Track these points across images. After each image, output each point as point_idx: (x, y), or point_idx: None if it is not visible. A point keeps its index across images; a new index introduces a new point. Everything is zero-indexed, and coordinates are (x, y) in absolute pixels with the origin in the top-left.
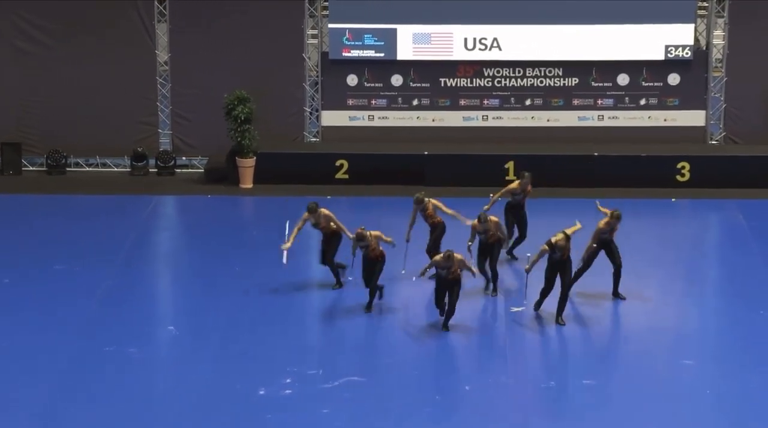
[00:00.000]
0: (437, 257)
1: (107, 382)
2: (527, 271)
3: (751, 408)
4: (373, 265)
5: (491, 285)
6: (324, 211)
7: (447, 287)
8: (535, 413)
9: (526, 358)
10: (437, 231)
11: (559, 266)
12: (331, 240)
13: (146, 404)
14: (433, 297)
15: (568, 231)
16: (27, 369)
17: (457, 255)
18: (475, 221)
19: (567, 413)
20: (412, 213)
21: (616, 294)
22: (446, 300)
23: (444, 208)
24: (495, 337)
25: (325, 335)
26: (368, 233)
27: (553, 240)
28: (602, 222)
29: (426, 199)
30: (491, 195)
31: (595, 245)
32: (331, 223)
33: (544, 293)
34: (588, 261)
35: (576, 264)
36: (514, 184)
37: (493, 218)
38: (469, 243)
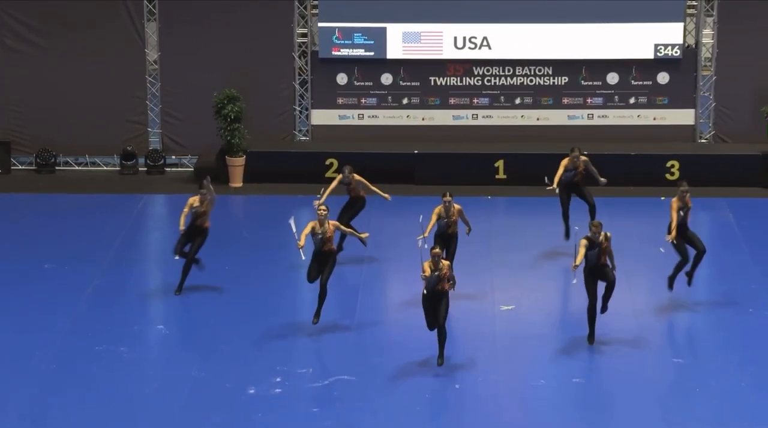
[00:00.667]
0: (425, 264)
1: (97, 381)
2: (574, 268)
3: (741, 406)
4: (325, 261)
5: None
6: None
7: (434, 301)
8: (525, 411)
9: (516, 357)
10: (357, 205)
11: (598, 272)
12: (201, 233)
13: (136, 403)
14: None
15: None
16: (17, 368)
17: (445, 261)
18: (439, 207)
19: (556, 411)
20: (334, 181)
21: (690, 276)
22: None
23: (369, 186)
24: (485, 336)
25: (314, 334)
26: (328, 222)
27: (590, 233)
28: (674, 200)
29: (352, 174)
30: (546, 178)
31: (673, 238)
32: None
33: (591, 314)
34: (682, 250)
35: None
36: (565, 161)
37: (457, 206)
38: (424, 235)
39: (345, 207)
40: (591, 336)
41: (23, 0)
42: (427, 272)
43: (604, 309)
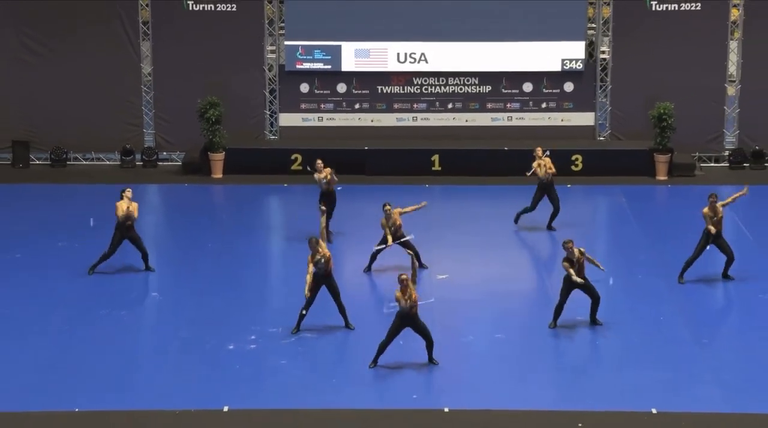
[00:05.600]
0: (397, 294)
1: (102, 339)
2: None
3: (633, 354)
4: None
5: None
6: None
7: (411, 323)
8: (456, 360)
9: (449, 317)
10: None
11: (580, 287)
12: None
13: (135, 357)
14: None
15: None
16: (35, 329)
17: (412, 286)
18: (383, 218)
19: (482, 360)
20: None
21: (726, 275)
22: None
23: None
24: (424, 300)
25: (283, 299)
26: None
27: (567, 253)
28: (705, 209)
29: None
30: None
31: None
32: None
33: (558, 310)
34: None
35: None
36: (705, 210)
37: (396, 210)
38: (388, 245)
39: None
40: (553, 323)
41: (39, 22)
42: (402, 302)
43: (593, 321)
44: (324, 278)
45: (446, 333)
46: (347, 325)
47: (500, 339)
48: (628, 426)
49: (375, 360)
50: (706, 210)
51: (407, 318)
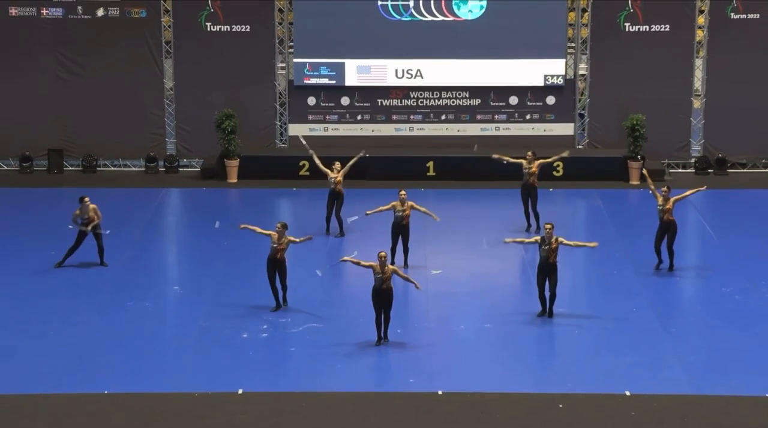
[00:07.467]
0: (375, 265)
1: (129, 328)
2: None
3: (606, 341)
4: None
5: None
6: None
7: (383, 297)
8: (449, 347)
9: (442, 308)
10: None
11: (547, 271)
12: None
13: (158, 344)
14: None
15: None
16: (67, 318)
17: (390, 266)
18: (396, 201)
19: (472, 347)
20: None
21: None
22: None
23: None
24: (419, 293)
25: (293, 292)
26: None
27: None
28: (660, 198)
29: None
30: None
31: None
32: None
33: (541, 300)
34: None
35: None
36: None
37: (410, 202)
38: (370, 212)
39: (338, 202)
40: (542, 312)
41: (74, 43)
42: (376, 275)
43: (550, 313)
44: (276, 261)
45: (439, 322)
46: (282, 303)
47: (488, 328)
48: (604, 408)
49: (379, 337)
50: (660, 198)
51: (379, 292)
